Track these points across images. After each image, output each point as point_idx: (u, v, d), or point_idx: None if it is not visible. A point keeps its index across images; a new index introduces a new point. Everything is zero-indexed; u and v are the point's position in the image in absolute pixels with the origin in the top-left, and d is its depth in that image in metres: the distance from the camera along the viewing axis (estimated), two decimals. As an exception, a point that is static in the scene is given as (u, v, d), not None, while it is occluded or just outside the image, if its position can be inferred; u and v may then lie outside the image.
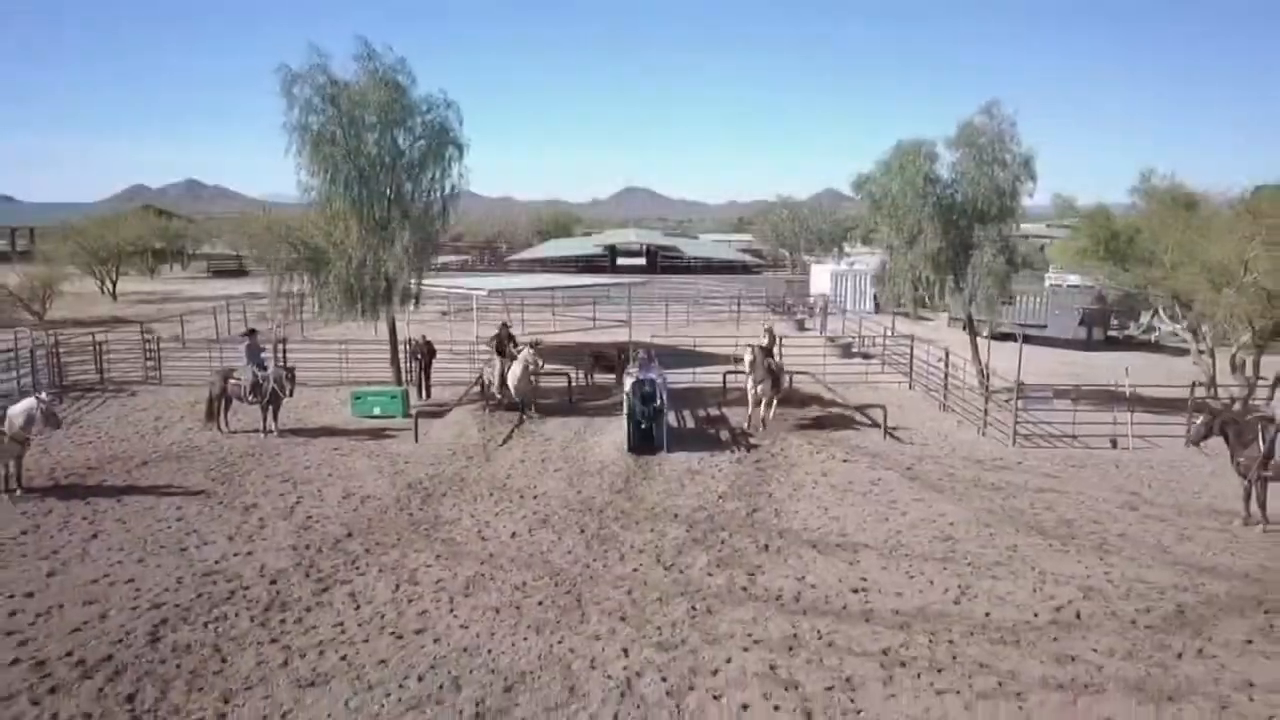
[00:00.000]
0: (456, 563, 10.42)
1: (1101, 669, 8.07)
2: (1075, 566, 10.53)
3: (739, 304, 36.70)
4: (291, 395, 16.52)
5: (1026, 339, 31.35)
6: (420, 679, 7.77)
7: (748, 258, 72.16)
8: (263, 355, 16.88)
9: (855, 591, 9.73)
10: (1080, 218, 23.36)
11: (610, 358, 21.57)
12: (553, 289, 34.81)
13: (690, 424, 17.93)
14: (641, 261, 69.56)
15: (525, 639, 8.54)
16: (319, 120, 16.91)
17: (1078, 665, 8.13)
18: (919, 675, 7.93)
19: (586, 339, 26.95)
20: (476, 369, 19.61)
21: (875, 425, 17.19)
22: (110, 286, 46.50)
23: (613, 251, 69.83)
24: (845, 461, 15.03)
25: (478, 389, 18.62)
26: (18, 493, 12.60)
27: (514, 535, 11.38)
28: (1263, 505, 11.88)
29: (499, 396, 18.10)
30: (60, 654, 8.13)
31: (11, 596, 9.35)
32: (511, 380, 17.48)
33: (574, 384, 20.10)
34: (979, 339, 20.72)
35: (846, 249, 57.94)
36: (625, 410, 15.54)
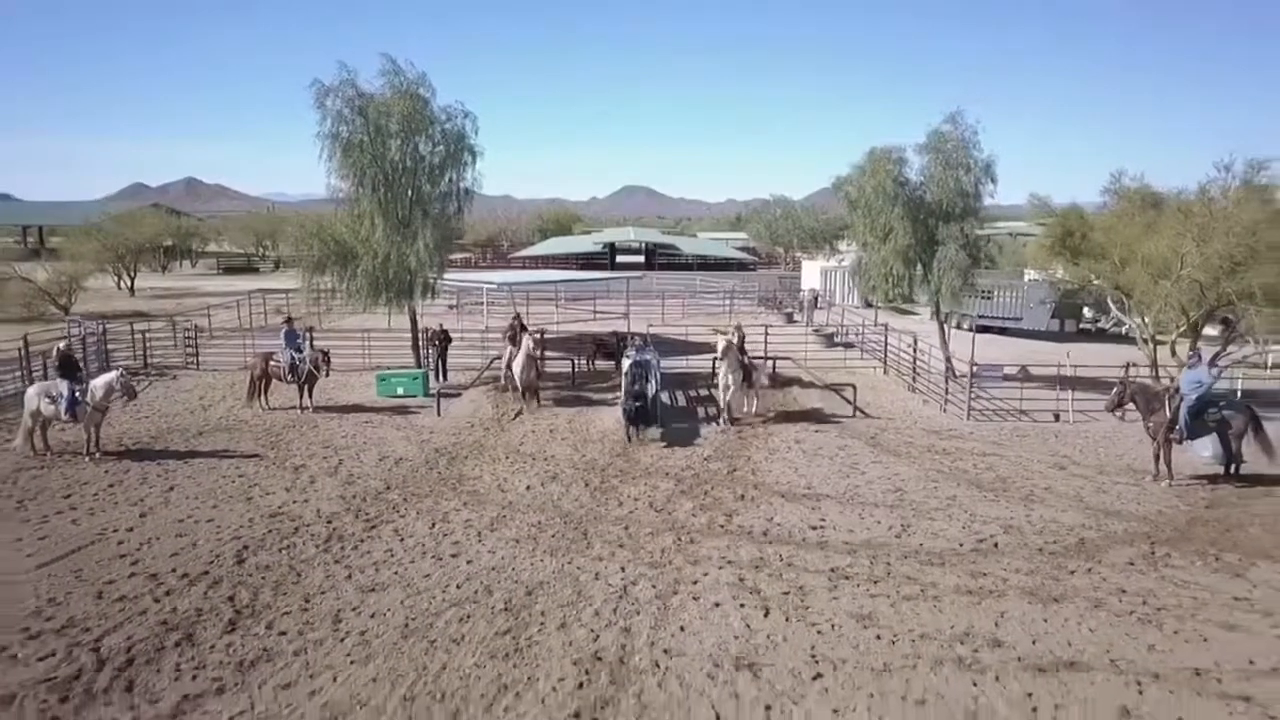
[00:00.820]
0: (481, 508, 12.39)
1: (1006, 580, 10.05)
2: (1002, 511, 12.51)
3: (731, 298, 38.64)
4: (328, 375, 18.51)
5: (1003, 331, 33.58)
6: (459, 586, 9.75)
7: (743, 255, 74.16)
8: (299, 340, 18.83)
9: (814, 528, 11.71)
10: (1054, 217, 25.25)
11: (610, 345, 23.52)
12: (556, 282, 36.74)
13: (682, 402, 19.89)
14: (640, 259, 71.54)
15: (542, 561, 10.51)
16: (349, 129, 18.83)
17: (987, 579, 10.10)
18: (858, 585, 9.91)
19: (588, 329, 28.91)
20: (486, 357, 21.55)
21: (847, 402, 19.17)
22: (129, 282, 48.51)
23: (612, 249, 71.81)
24: (817, 432, 17.02)
25: (492, 374, 20.48)
26: (97, 455, 14.56)
27: (528, 488, 13.36)
28: (1168, 464, 13.86)
29: (512, 382, 19.93)
30: (167, 570, 10.11)
31: (115, 531, 11.32)
32: (516, 369, 18.83)
33: (577, 369, 22.06)
34: (962, 331, 22.61)
35: (840, 246, 59.82)
36: (623, 388, 17.47)
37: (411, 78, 18.91)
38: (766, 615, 9.09)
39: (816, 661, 8.18)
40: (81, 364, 17.37)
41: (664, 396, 18.53)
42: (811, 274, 45.59)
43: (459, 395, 19.64)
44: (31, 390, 14.77)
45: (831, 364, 23.96)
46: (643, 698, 7.54)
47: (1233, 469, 13.94)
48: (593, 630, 8.73)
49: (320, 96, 18.62)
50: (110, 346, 23.71)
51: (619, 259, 71.00)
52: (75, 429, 15.28)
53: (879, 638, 8.67)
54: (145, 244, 52.52)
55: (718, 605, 9.33)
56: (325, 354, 18.50)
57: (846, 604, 9.42)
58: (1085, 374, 19.64)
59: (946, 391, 19.38)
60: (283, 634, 8.60)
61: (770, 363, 21.26)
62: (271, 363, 18.41)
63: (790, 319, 35.53)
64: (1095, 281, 21.61)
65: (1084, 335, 32.80)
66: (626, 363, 17.99)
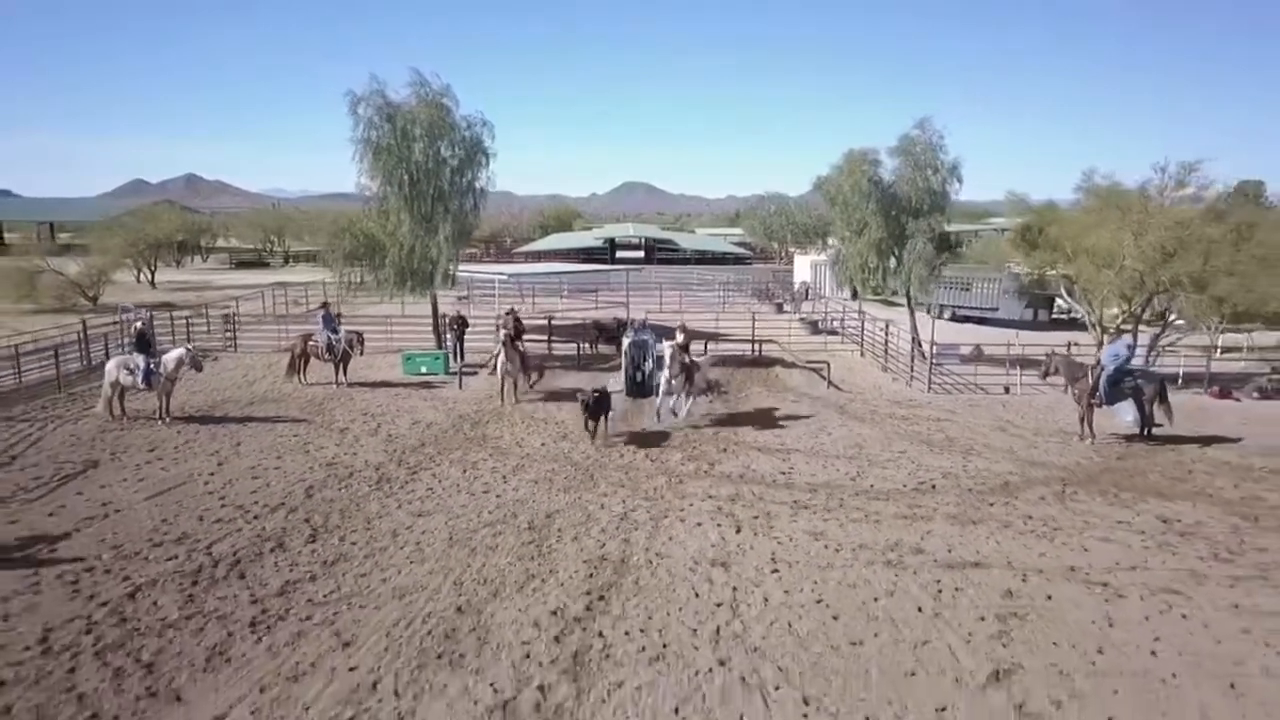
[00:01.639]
0: (504, 459, 14.68)
1: (936, 510, 12.34)
2: (944, 462, 14.81)
3: (725, 290, 40.90)
4: (362, 354, 20.81)
5: (982, 321, 35.82)
6: (490, 513, 12.04)
7: (740, 250, 76.39)
8: (334, 323, 21.09)
9: (783, 474, 14.01)
10: (1029, 213, 27.45)
11: (611, 328, 25.75)
12: (560, 274, 39.00)
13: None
14: (640, 254, 73.68)
15: (557, 496, 12.80)
16: (378, 134, 21.05)
17: (922, 509, 12.39)
18: (815, 513, 12.20)
19: (592, 315, 31.14)
20: (498, 341, 23.71)
21: (822, 378, 21.45)
22: (150, 275, 50.77)
23: (612, 244, 73.91)
24: (793, 402, 19.33)
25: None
26: (168, 420, 16.82)
27: (542, 444, 15.64)
28: (1090, 425, 16.15)
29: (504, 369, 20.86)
30: (250, 502, 12.38)
31: (199, 476, 13.58)
32: (499, 364, 19.12)
33: (581, 351, 24.32)
34: (944, 321, 24.82)
35: (830, 241, 62.17)
36: (624, 364, 19.70)
37: (437, 88, 21.15)
38: (738, 532, 11.38)
39: (775, 562, 10.47)
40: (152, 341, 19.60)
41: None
42: (803, 267, 47.87)
43: (475, 374, 21.90)
44: (111, 363, 17.04)
45: (814, 348, 26.17)
46: (639, 583, 9.83)
47: (1146, 431, 16.21)
48: (600, 541, 11.03)
49: (353, 105, 20.83)
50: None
51: (619, 254, 73.03)
52: (145, 398, 17.53)
53: (826, 547, 10.95)
54: (164, 239, 54.80)
55: (699, 525, 11.63)
56: (360, 335, 20.76)
57: (804, 525, 11.71)
58: (1035, 355, 21.88)
59: (912, 369, 21.67)
60: (354, 544, 10.90)
61: (711, 358, 22.56)
62: (310, 342, 20.67)
63: (780, 309, 37.77)
64: (1050, 272, 23.91)
65: (1056, 324, 35.02)
66: (626, 342, 20.21)
